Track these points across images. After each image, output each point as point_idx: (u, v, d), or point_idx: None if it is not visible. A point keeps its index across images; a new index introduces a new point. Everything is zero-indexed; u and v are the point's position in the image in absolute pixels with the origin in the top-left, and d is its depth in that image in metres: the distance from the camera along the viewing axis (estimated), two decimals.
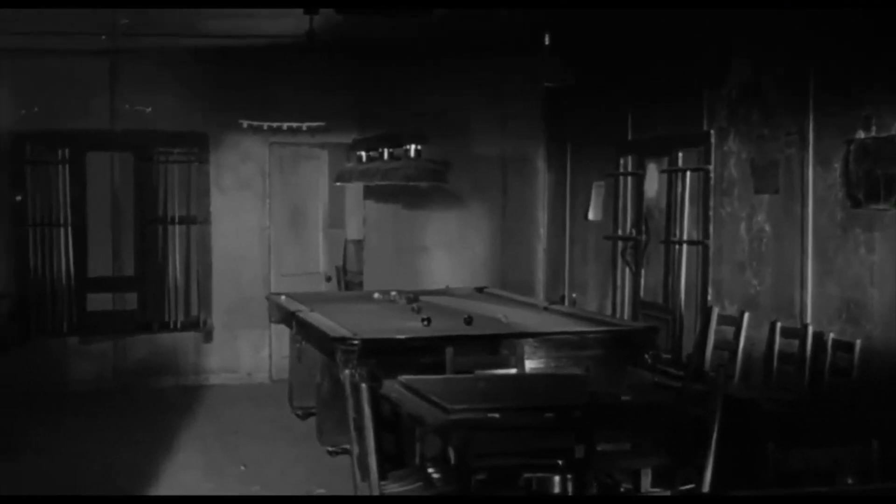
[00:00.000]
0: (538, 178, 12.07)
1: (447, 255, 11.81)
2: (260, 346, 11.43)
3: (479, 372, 6.46)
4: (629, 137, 10.10)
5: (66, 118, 10.82)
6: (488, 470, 5.39)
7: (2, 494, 7.26)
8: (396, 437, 6.01)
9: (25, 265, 10.88)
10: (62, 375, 10.92)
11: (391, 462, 5.77)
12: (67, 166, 10.98)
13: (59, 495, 7.30)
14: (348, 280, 12.85)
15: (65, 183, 10.98)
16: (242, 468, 8.02)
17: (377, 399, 5.57)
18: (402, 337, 7.15)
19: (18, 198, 10.85)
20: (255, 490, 7.45)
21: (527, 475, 5.72)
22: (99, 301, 11.23)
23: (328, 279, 12.10)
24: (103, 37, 10.05)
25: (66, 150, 10.99)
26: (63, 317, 10.97)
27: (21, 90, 10.79)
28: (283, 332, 10.07)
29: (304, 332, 8.15)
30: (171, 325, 11.22)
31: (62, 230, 10.96)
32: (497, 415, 5.27)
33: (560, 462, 5.40)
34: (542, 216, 12.08)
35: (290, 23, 9.20)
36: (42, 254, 10.93)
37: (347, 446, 7.91)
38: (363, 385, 5.28)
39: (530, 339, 7.13)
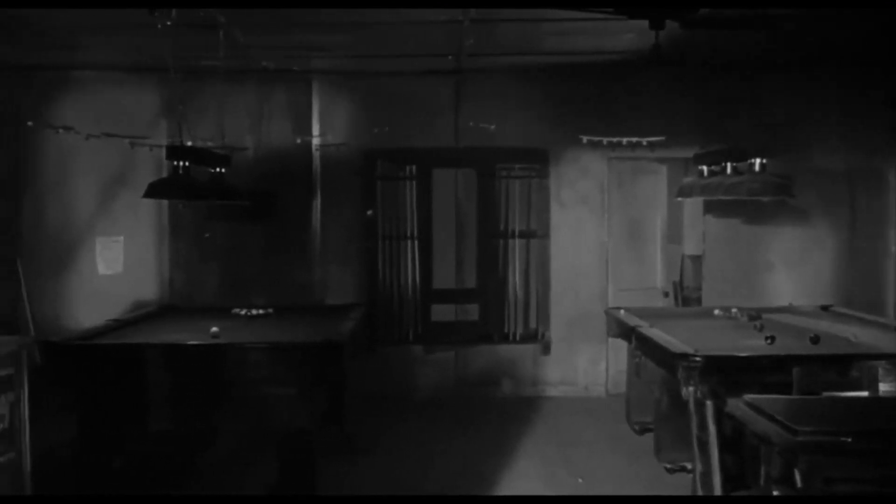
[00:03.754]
0: (889, 192, 11.47)
1: (789, 272, 11.42)
2: (597, 359, 11.48)
3: (827, 393, 6.21)
4: None
5: (413, 136, 11.31)
6: None
7: (355, 490, 7.65)
8: (739, 456, 5.87)
9: (375, 276, 11.43)
10: (407, 382, 11.39)
11: (733, 482, 5.64)
12: (414, 182, 11.46)
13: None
14: (685, 296, 12.68)
15: (412, 198, 11.46)
16: (580, 481, 8.06)
17: (721, 417, 5.46)
18: (746, 355, 6.97)
19: (370, 212, 11.41)
20: None
21: None
22: (442, 312, 11.61)
23: (666, 294, 11.98)
24: (449, 57, 10.43)
25: (414, 167, 11.47)
26: (409, 326, 11.45)
27: (373, 110, 11.35)
28: (620, 347, 10.07)
29: (644, 347, 8.10)
30: (511, 337, 11.46)
31: (409, 243, 11.45)
32: (849, 439, 5.04)
33: None
34: (893, 233, 11.46)
35: (631, 39, 9.23)
36: (390, 266, 11.45)
37: (686, 464, 7.86)
38: (708, 402, 5.18)
39: (883, 361, 6.77)
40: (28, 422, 5.17)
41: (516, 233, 11.49)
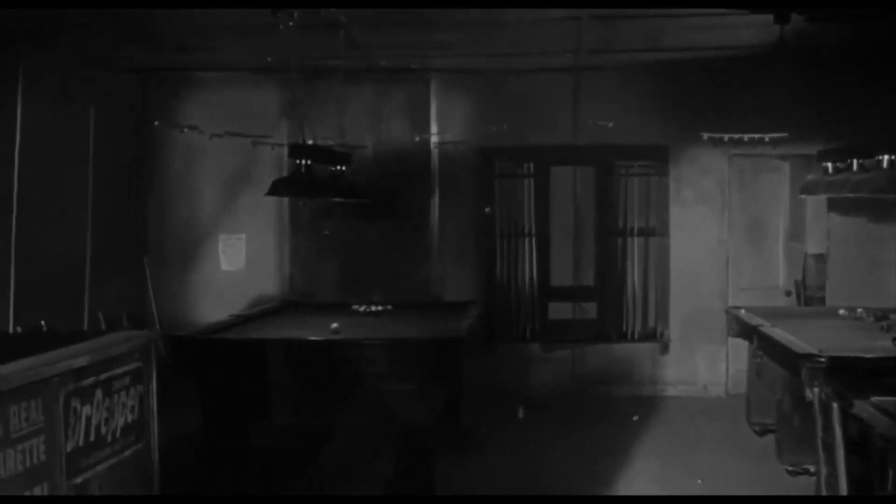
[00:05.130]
0: None
1: None
2: (717, 359, 11.32)
3: None
4: None
5: (531, 134, 11.30)
6: None
7: (471, 487, 7.68)
8: (865, 459, 5.73)
9: (492, 274, 11.46)
10: (523, 380, 11.38)
11: (858, 485, 5.52)
12: (532, 180, 11.46)
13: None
14: (808, 295, 12.41)
15: (530, 196, 11.45)
16: (699, 482, 7.96)
17: (846, 419, 5.34)
18: (872, 356, 6.80)
19: (488, 210, 11.44)
20: None
21: None
22: (559, 310, 11.58)
23: (788, 294, 11.76)
24: (568, 55, 10.39)
25: (532, 164, 11.47)
26: (526, 324, 11.45)
27: (491, 108, 11.37)
28: (740, 347, 9.92)
29: (766, 346, 7.97)
30: (629, 336, 11.38)
31: (526, 240, 11.45)
32: None
33: None
34: None
35: (752, 33, 9.08)
36: (508, 263, 11.47)
37: (809, 466, 7.70)
38: (834, 404, 5.08)
39: None
40: (156, 414, 5.31)
41: (635, 231, 11.41)
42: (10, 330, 8.36)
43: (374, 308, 9.23)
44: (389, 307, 9.30)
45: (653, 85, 11.18)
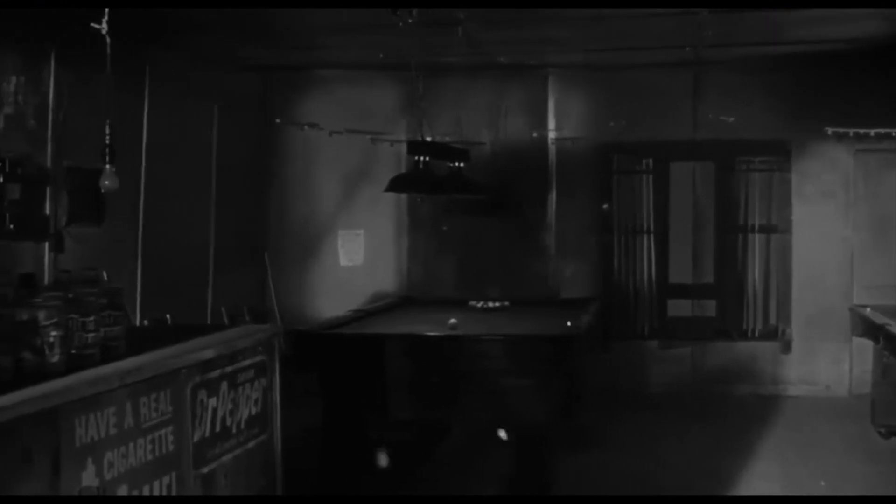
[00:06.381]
0: None
1: None
2: (840, 358, 11.08)
3: None
4: None
5: (650, 129, 11.20)
6: None
7: (588, 484, 7.66)
8: None
9: (610, 270, 11.40)
10: (641, 377, 11.30)
11: None
12: (651, 176, 11.36)
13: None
14: None
15: (648, 192, 11.37)
16: (822, 484, 7.81)
17: None
18: None
19: (605, 206, 11.38)
20: None
21: None
22: (678, 307, 11.46)
23: None
24: (687, 49, 10.27)
25: (650, 161, 11.38)
26: (644, 321, 11.37)
27: (609, 104, 11.32)
28: (865, 346, 9.69)
29: (892, 346, 7.78)
30: (749, 334, 11.22)
31: (645, 237, 11.36)
32: None
33: None
34: None
35: (877, 25, 8.87)
36: (626, 259, 11.39)
37: None
38: None
39: None
40: (279, 406, 5.41)
41: (756, 227, 11.24)
42: (137, 323, 8.58)
43: (491, 304, 9.24)
44: (507, 303, 9.31)
45: (775, 78, 10.99)
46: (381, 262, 11.73)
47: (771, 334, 11.23)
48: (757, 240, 11.24)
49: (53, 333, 3.86)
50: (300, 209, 11.80)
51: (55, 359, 3.87)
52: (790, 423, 9.89)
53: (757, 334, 11.22)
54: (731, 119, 10.94)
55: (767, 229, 11.23)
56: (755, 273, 11.24)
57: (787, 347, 11.20)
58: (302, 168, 11.78)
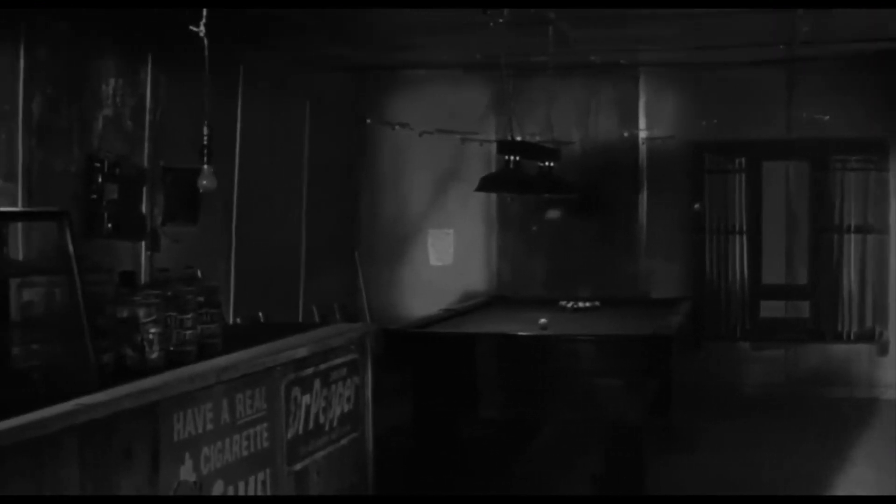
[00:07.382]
0: None
1: None
2: None
3: None
4: None
5: (742, 128, 11.07)
6: None
7: (680, 486, 7.60)
8: None
9: (702, 270, 11.29)
10: (734, 378, 11.15)
11: None
12: (743, 175, 11.23)
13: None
14: None
15: (741, 191, 11.23)
16: None
17: None
18: None
19: (697, 206, 11.28)
20: None
21: None
22: (771, 308, 11.31)
23: None
24: (781, 46, 10.12)
25: (743, 159, 11.24)
26: (736, 322, 11.23)
27: (701, 101, 11.21)
28: None
29: None
30: (844, 336, 11.03)
31: (737, 237, 11.23)
32: None
33: None
34: None
35: None
36: (717, 260, 11.27)
37: None
38: None
39: None
40: (371, 404, 5.45)
41: (851, 227, 11.04)
42: (230, 321, 8.71)
43: (581, 304, 9.21)
44: (597, 303, 9.26)
45: (871, 75, 10.78)
46: (471, 262, 11.75)
47: (867, 336, 11.02)
48: (853, 240, 11.04)
49: (153, 331, 3.95)
50: (390, 208, 11.87)
51: (154, 355, 3.96)
52: (887, 429, 9.70)
53: (852, 336, 11.02)
54: (826, 117, 10.77)
55: (863, 229, 11.02)
56: (850, 274, 11.05)
57: (883, 349, 10.98)
58: (392, 168, 11.85)
